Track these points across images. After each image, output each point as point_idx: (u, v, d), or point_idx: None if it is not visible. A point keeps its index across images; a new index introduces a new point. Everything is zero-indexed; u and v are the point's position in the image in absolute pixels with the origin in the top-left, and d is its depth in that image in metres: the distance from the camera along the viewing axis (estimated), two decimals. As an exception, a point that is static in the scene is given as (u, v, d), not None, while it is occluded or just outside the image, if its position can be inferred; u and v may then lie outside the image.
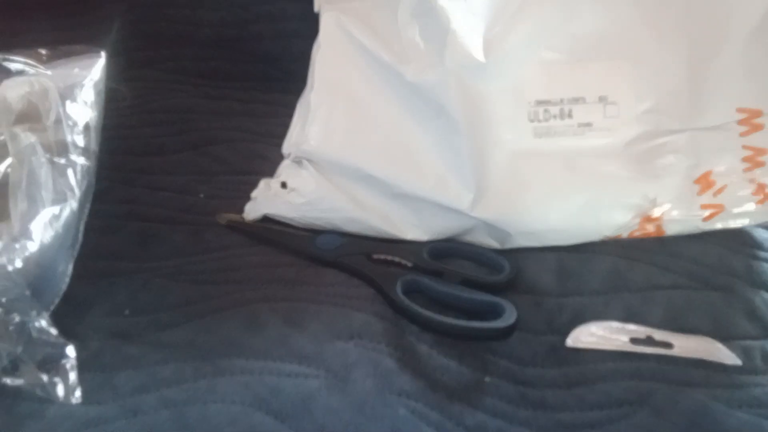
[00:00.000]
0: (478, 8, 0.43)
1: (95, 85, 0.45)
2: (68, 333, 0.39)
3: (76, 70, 0.44)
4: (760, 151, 0.43)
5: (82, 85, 0.44)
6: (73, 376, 0.35)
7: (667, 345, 0.39)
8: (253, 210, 0.49)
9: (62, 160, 0.40)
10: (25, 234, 0.36)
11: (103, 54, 0.46)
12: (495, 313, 0.40)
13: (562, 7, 0.43)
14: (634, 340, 0.39)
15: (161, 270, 0.45)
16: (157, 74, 0.65)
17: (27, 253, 0.36)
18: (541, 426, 0.36)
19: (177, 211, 0.51)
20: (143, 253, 0.47)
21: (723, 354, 0.39)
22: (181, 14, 0.67)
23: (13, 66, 0.44)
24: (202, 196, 0.52)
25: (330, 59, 0.47)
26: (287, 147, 0.48)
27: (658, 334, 0.40)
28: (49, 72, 0.43)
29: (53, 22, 0.71)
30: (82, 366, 0.37)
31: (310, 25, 0.49)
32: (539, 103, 0.44)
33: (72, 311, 0.41)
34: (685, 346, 0.39)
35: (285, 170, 0.48)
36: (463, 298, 0.41)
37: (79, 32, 0.70)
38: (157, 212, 0.50)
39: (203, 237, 0.48)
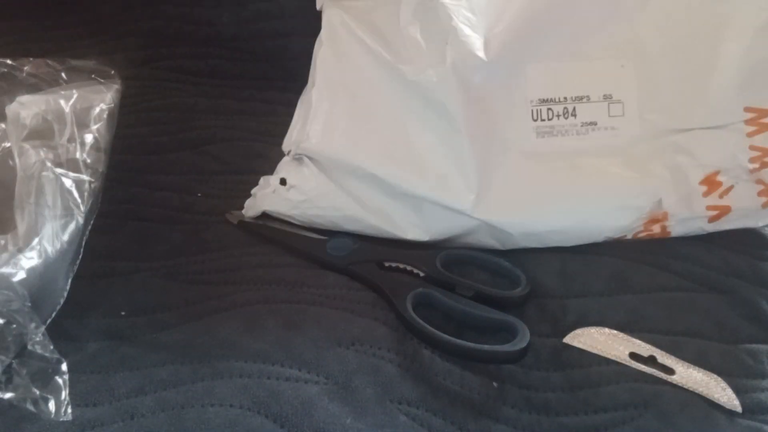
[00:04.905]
0: (480, 7, 0.43)
1: (109, 109, 0.47)
2: (65, 334, 0.39)
3: (92, 94, 0.47)
4: (767, 152, 0.42)
5: (97, 109, 0.46)
6: (64, 393, 0.35)
7: (669, 370, 0.37)
8: (252, 206, 0.48)
9: (71, 178, 0.41)
10: (31, 246, 0.37)
11: (119, 83, 0.49)
12: (507, 332, 0.39)
13: (565, 4, 0.43)
14: (634, 356, 0.38)
15: (159, 270, 0.45)
16: (155, 73, 0.64)
17: (31, 265, 0.36)
18: (546, 430, 0.35)
19: (175, 211, 0.50)
20: (141, 253, 0.46)
21: (724, 395, 0.36)
22: (180, 12, 0.67)
23: (29, 80, 0.47)
24: (199, 195, 0.51)
25: (332, 57, 0.46)
26: (288, 144, 0.47)
27: (663, 357, 0.38)
28: (64, 92, 0.45)
29: (51, 20, 0.70)
30: (78, 367, 0.37)
31: (309, 23, 0.48)
32: (542, 101, 0.43)
33: (69, 312, 0.40)
34: (687, 375, 0.37)
35: (285, 167, 0.47)
36: (475, 315, 0.40)
37: (78, 30, 0.70)
38: (155, 212, 0.50)
39: (202, 237, 0.48)
